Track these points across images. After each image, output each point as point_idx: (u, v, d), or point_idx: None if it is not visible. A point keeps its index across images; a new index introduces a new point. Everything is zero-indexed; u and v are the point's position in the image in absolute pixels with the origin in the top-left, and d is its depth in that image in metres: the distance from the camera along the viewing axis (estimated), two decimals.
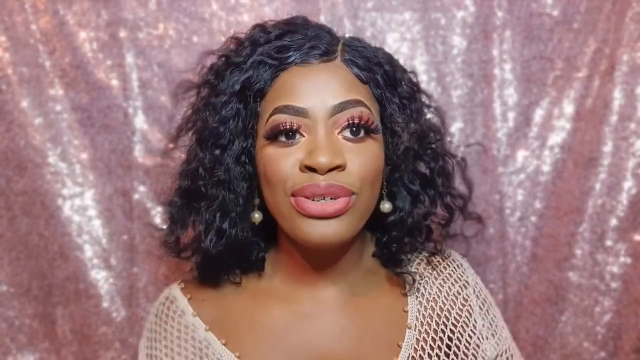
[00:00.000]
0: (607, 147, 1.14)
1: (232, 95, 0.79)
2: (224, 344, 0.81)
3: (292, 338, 0.81)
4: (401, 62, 1.08)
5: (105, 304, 1.17)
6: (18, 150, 1.15)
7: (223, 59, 0.84)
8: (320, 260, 0.82)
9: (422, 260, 0.89)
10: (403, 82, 0.83)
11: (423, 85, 1.14)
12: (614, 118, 1.13)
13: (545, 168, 1.16)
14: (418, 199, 0.86)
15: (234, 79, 0.79)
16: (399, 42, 1.16)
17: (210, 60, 0.88)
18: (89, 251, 1.17)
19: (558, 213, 1.16)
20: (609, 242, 1.15)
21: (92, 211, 1.17)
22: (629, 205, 1.14)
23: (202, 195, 0.81)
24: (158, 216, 1.16)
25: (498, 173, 1.16)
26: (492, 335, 0.85)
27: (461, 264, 0.89)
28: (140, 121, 1.16)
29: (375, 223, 0.84)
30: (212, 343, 0.81)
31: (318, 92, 0.75)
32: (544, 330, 1.17)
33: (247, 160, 0.80)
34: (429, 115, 0.93)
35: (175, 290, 0.87)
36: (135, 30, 1.15)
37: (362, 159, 0.75)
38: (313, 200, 0.73)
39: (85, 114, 1.16)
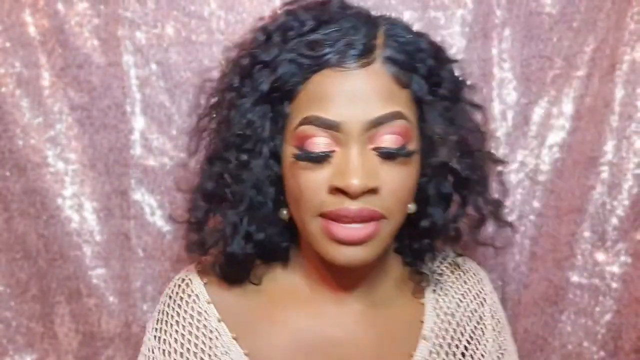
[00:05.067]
0: (608, 147, 1.13)
1: (260, 97, 0.73)
2: (235, 338, 0.76)
3: (307, 338, 0.77)
4: None
5: (103, 303, 1.17)
6: (17, 150, 1.15)
7: (250, 56, 0.75)
8: (341, 271, 0.77)
9: (443, 270, 0.86)
10: (447, 80, 0.76)
11: None
12: (614, 117, 1.12)
13: (544, 167, 1.16)
14: (450, 202, 0.81)
15: (262, 79, 0.72)
16: None
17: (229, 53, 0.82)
18: (88, 251, 1.17)
19: (558, 212, 1.15)
20: (609, 242, 1.14)
21: (91, 210, 1.17)
22: (630, 205, 1.13)
23: (227, 200, 0.76)
24: (156, 215, 1.16)
25: (497, 172, 1.16)
26: (499, 357, 0.83)
27: (481, 279, 0.87)
28: (138, 120, 1.16)
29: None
30: (222, 335, 0.76)
31: (353, 103, 0.68)
32: (544, 330, 1.16)
33: (275, 164, 0.75)
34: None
35: (192, 272, 0.82)
36: (134, 29, 1.15)
37: (398, 180, 0.70)
38: (342, 223, 0.68)
39: (84, 114, 1.16)
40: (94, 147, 1.16)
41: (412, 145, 0.71)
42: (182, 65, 1.14)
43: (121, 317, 1.18)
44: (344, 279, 0.79)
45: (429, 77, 0.74)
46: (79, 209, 1.17)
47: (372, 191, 0.68)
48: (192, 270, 0.83)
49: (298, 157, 0.70)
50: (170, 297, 0.81)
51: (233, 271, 0.79)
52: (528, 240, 1.17)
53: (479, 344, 0.81)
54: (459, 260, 0.89)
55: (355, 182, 0.66)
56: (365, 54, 0.70)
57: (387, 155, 0.69)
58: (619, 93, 1.12)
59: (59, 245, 1.17)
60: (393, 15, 0.82)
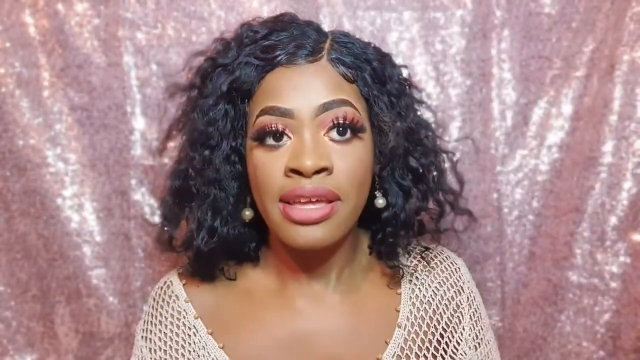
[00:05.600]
0: (607, 147, 1.14)
1: (220, 97, 0.80)
2: (210, 333, 0.82)
3: (282, 333, 0.81)
4: (400, 61, 1.09)
5: (103, 303, 1.17)
6: (17, 150, 1.16)
7: (210, 60, 0.85)
8: (309, 260, 0.82)
9: (419, 261, 0.89)
10: (392, 79, 0.83)
11: (422, 85, 1.14)
12: (614, 118, 1.13)
13: (543, 167, 1.16)
14: (409, 194, 0.85)
15: (221, 80, 0.80)
16: (398, 41, 1.16)
17: (198, 61, 0.89)
18: (87, 251, 1.17)
19: (557, 212, 1.16)
20: (608, 242, 1.14)
21: (91, 210, 1.17)
22: (629, 205, 1.13)
23: (192, 195, 0.82)
24: (156, 215, 1.16)
25: (496, 172, 1.16)
26: (476, 347, 0.86)
27: (459, 268, 0.90)
28: (138, 120, 1.16)
29: (369, 217, 0.84)
30: (199, 331, 0.82)
31: (303, 92, 0.75)
32: (543, 329, 1.17)
33: (236, 160, 0.81)
34: (422, 112, 0.93)
35: (173, 275, 0.88)
36: (134, 29, 1.15)
37: (350, 161, 0.75)
38: (299, 205, 0.74)
39: (84, 114, 1.16)
40: (94, 147, 1.17)
41: (362, 130, 0.78)
42: (183, 66, 1.14)
43: (121, 317, 1.18)
44: (312, 268, 0.83)
45: (375, 75, 0.81)
46: (79, 209, 1.17)
47: (326, 172, 0.74)
48: (174, 273, 0.89)
49: (257, 142, 0.77)
50: (154, 299, 0.87)
51: (201, 266, 0.85)
52: (527, 240, 1.17)
53: (455, 332, 0.84)
54: (436, 249, 0.92)
55: (308, 163, 0.72)
56: (314, 54, 0.78)
57: (339, 131, 0.75)
58: (618, 93, 1.13)
59: (59, 245, 1.17)
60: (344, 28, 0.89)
